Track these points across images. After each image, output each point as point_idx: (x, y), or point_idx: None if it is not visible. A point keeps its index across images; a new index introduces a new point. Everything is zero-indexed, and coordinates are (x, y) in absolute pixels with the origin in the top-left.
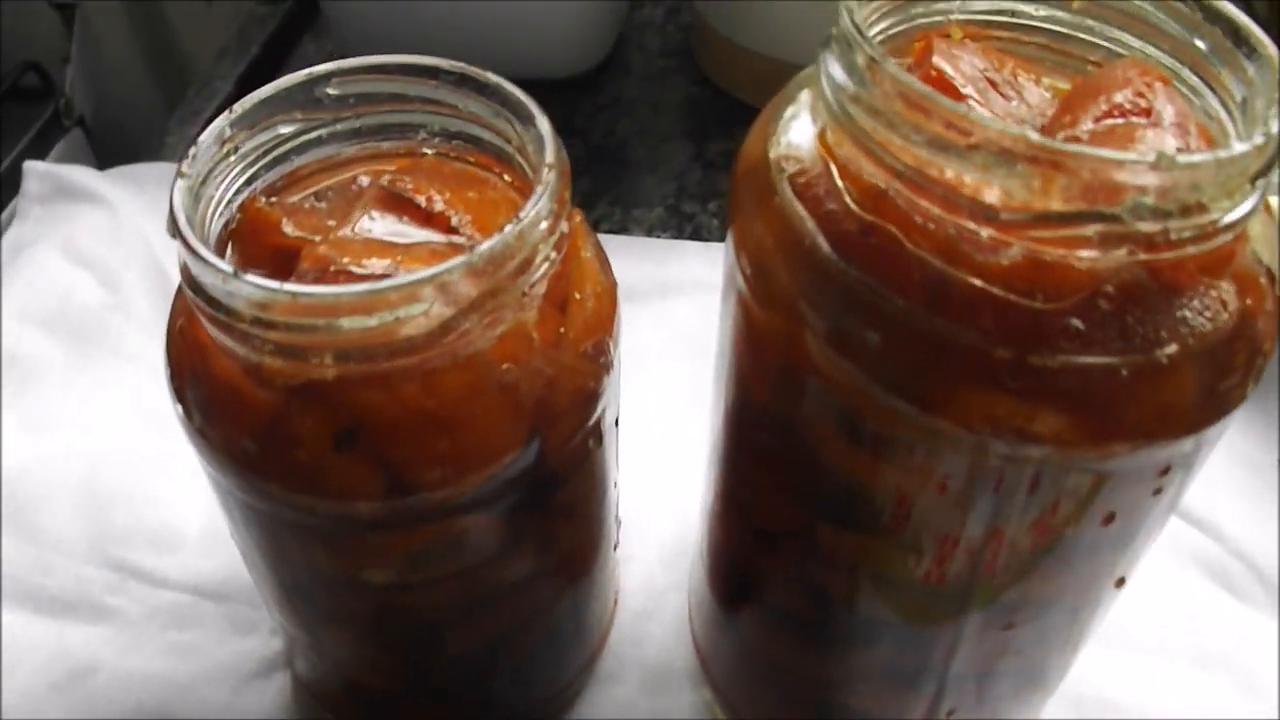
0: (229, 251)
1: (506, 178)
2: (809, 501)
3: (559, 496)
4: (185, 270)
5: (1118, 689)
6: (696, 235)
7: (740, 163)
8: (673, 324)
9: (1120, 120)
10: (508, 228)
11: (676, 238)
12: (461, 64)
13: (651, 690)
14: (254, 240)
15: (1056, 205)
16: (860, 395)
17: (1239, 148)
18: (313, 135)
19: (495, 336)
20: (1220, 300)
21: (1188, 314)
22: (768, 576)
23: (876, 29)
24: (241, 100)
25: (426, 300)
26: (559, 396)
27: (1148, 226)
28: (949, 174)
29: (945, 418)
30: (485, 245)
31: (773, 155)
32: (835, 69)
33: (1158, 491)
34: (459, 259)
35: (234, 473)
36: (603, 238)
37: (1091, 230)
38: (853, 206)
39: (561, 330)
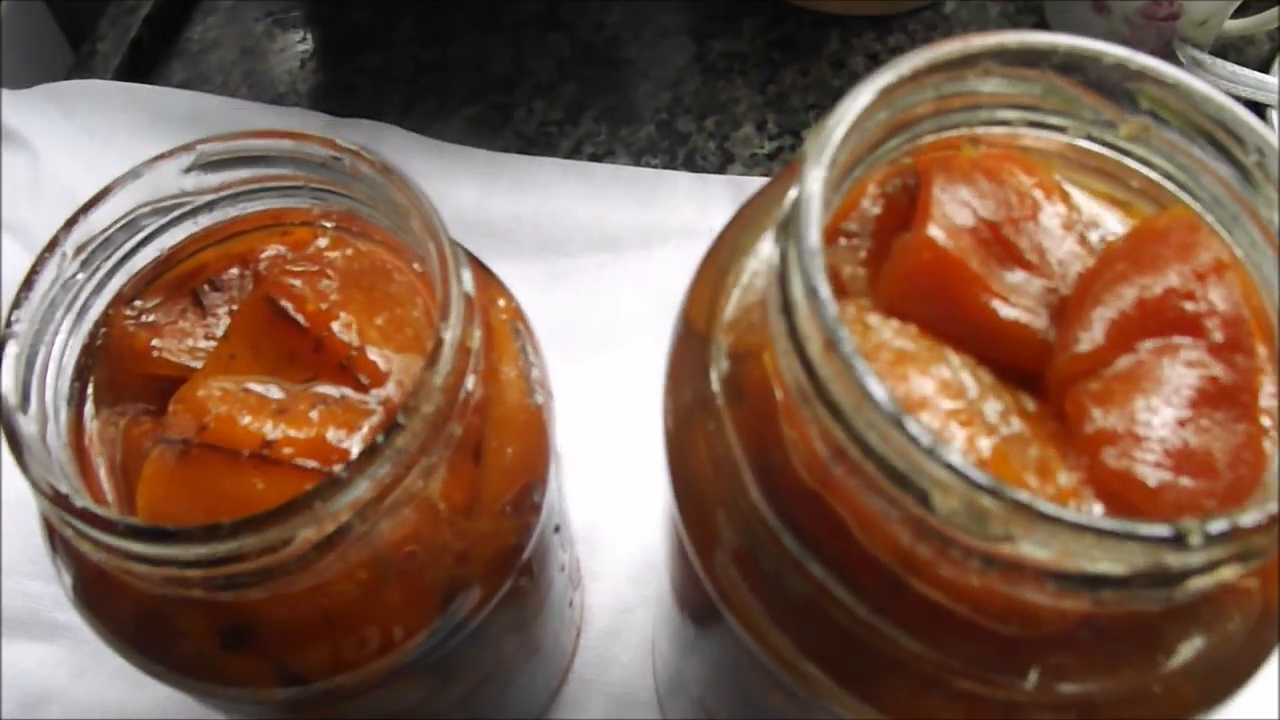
0: (91, 378)
1: (416, 266)
2: (741, 700)
3: (491, 631)
4: None
5: None
6: (690, 162)
7: (680, 327)
8: (656, 284)
9: (1157, 342)
10: (385, 444)
11: (668, 164)
12: (356, 145)
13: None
14: (120, 366)
15: (1045, 567)
16: (793, 670)
17: None
18: (185, 213)
19: (393, 523)
20: (1239, 603)
21: (1195, 628)
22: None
23: (866, 162)
24: (82, 212)
25: (298, 532)
26: (474, 567)
27: (1163, 593)
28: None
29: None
30: (366, 471)
31: (713, 344)
32: (776, 287)
33: None
34: (330, 490)
35: (120, 650)
36: (585, 166)
37: (1088, 598)
38: (798, 468)
39: (474, 492)
